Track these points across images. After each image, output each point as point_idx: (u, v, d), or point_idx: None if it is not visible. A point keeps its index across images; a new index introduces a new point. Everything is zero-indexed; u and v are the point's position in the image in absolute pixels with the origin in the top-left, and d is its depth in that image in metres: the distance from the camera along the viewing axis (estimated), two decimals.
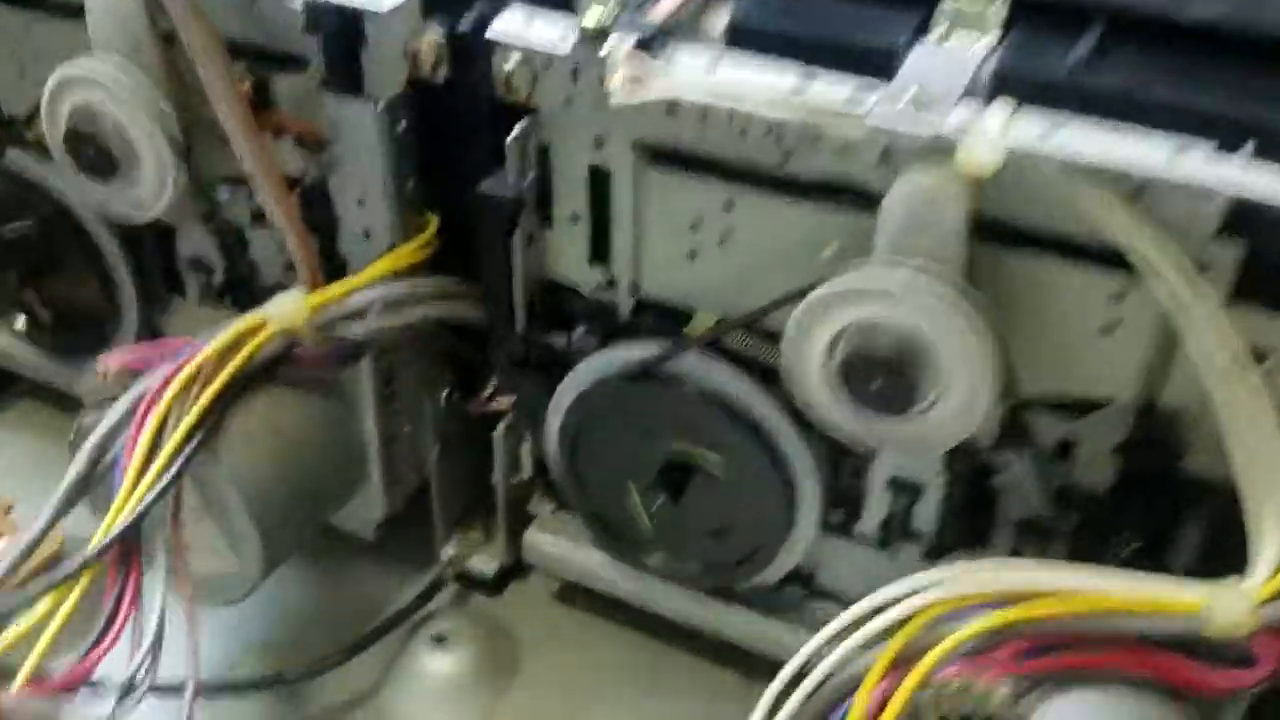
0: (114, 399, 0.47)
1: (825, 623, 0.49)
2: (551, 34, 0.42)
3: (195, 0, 0.45)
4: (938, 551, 0.47)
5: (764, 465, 0.45)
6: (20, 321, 0.62)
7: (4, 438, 0.67)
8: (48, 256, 0.58)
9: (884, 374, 0.38)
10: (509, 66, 0.43)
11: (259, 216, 0.53)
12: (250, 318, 0.47)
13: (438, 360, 0.54)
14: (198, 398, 0.45)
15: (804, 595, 0.51)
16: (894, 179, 0.38)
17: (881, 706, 0.36)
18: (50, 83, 0.50)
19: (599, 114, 0.43)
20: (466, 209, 0.49)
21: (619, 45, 0.39)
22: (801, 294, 0.39)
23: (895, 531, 0.47)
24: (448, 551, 0.58)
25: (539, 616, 0.57)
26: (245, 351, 0.46)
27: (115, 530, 0.40)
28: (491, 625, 0.56)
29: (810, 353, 0.40)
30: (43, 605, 0.38)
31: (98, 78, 0.48)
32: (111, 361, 0.47)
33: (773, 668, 0.53)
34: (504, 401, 0.54)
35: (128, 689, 0.38)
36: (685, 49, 0.40)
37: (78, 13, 0.49)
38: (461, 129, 0.48)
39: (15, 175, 0.57)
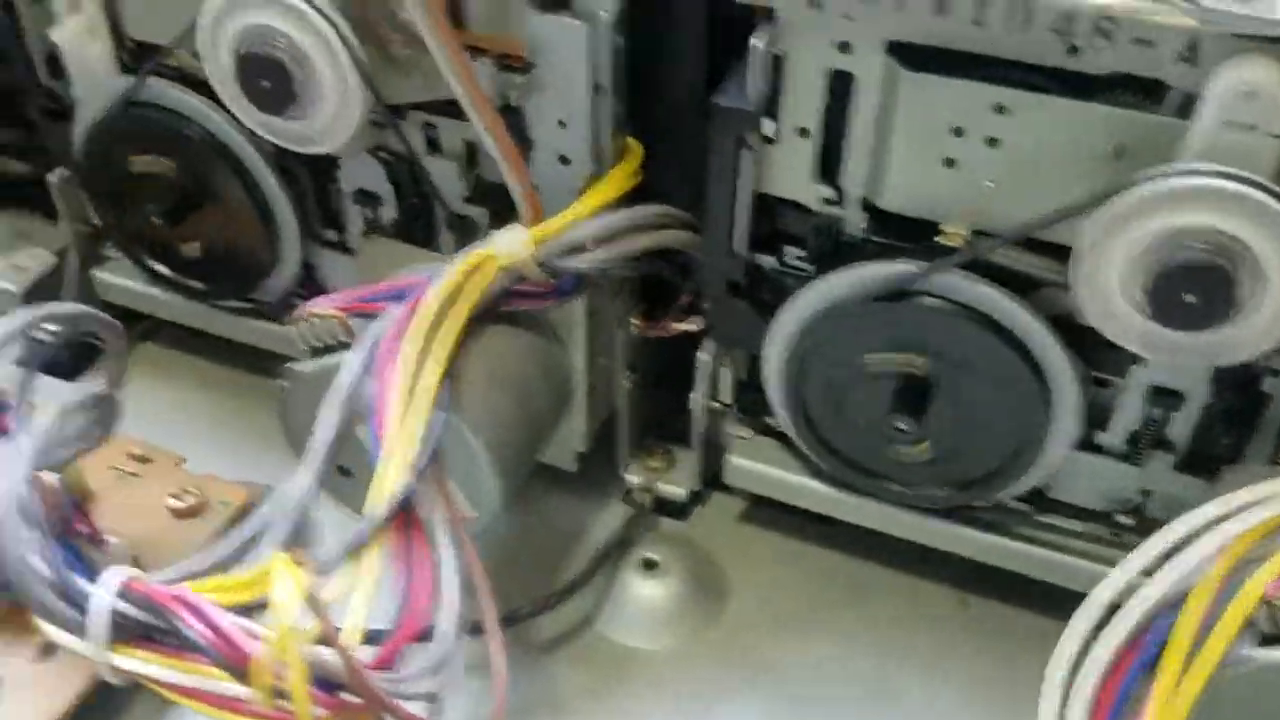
0: (328, 347, 0.45)
1: (1050, 534, 0.50)
2: None
3: None
4: (1189, 463, 0.46)
5: (1025, 381, 0.43)
6: (157, 262, 0.59)
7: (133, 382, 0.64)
8: (194, 192, 0.55)
9: (1200, 286, 0.36)
10: None
11: (434, 144, 0.51)
12: (474, 254, 0.44)
13: (632, 286, 0.52)
14: (435, 340, 0.42)
15: (1032, 509, 0.50)
16: (1202, 75, 0.36)
17: (1206, 626, 0.35)
18: (211, 6, 0.46)
19: (850, 16, 0.40)
20: (671, 128, 0.47)
21: None
22: (1096, 201, 0.38)
23: (1147, 442, 0.46)
24: (632, 479, 0.57)
25: (731, 538, 0.57)
26: (474, 289, 0.44)
27: (399, 490, 0.38)
28: (695, 549, 0.55)
29: (1110, 265, 0.38)
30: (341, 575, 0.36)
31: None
32: (320, 307, 0.45)
33: (982, 578, 0.53)
34: (693, 322, 0.52)
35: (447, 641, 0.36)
36: None
37: None
38: (672, 42, 0.45)
39: (155, 105, 0.53)
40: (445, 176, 0.51)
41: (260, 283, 0.57)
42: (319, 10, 0.45)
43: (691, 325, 0.52)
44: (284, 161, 0.53)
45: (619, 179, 0.46)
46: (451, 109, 0.49)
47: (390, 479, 0.38)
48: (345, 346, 0.45)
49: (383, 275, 0.50)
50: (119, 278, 0.62)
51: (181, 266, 0.59)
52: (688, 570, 0.54)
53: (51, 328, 0.45)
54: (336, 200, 0.55)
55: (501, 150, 0.44)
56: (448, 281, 0.44)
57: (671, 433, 0.58)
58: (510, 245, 0.44)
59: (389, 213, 0.54)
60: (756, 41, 0.41)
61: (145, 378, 0.63)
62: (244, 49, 0.46)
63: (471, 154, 0.51)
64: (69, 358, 0.50)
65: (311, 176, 0.55)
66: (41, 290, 0.68)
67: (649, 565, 0.53)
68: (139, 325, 0.66)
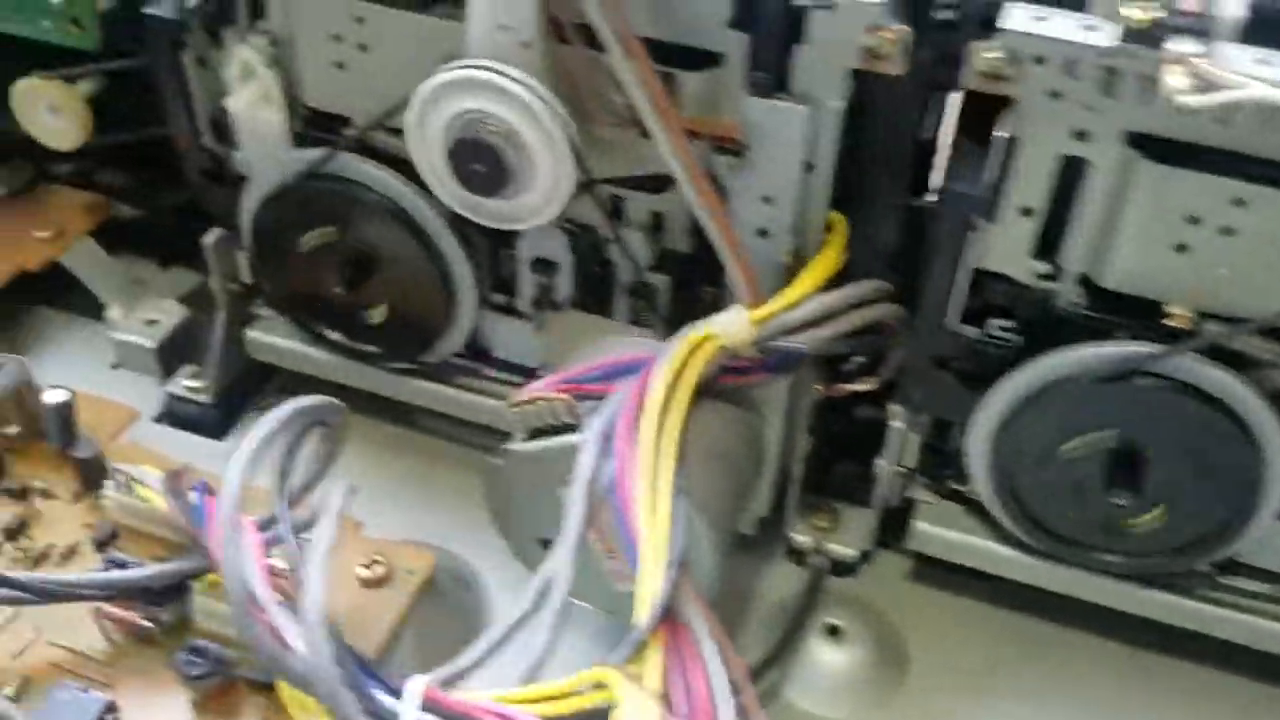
0: (553, 428, 0.45)
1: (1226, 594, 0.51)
2: (1070, 27, 0.40)
3: None
4: None
5: (1246, 458, 0.44)
6: (326, 326, 0.59)
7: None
8: (373, 260, 0.55)
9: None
10: (991, 58, 0.41)
11: (619, 215, 0.51)
12: (694, 334, 0.45)
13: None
14: (666, 422, 0.42)
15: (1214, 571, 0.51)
16: None
17: None
18: (424, 89, 0.46)
19: (1091, 107, 0.41)
20: (876, 203, 0.48)
21: (1179, 47, 0.36)
22: None
23: None
24: (801, 539, 0.57)
25: (904, 598, 0.57)
26: (695, 369, 0.44)
27: (665, 592, 0.38)
28: (872, 611, 0.55)
29: None
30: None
31: (493, 83, 0.45)
32: (542, 390, 0.45)
33: (1166, 639, 0.53)
34: (869, 383, 0.52)
35: None
36: (1225, 46, 0.38)
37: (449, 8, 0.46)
38: (891, 124, 0.46)
39: (336, 176, 0.53)
40: (630, 246, 0.51)
41: (432, 346, 0.57)
42: (537, 95, 0.45)
43: (868, 386, 0.53)
44: (464, 230, 0.53)
45: (831, 258, 0.47)
46: (642, 183, 0.49)
47: (653, 578, 0.38)
48: (569, 428, 0.45)
49: (570, 348, 0.51)
50: (272, 336, 0.62)
51: (353, 331, 0.59)
52: (870, 635, 0.54)
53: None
54: (512, 267, 0.55)
55: (723, 235, 0.44)
56: (673, 363, 0.44)
57: (832, 491, 0.58)
58: (732, 327, 0.44)
59: (565, 280, 0.54)
60: (1001, 132, 0.41)
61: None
62: (457, 134, 0.46)
63: (657, 224, 0.52)
64: None
65: (490, 244, 0.55)
66: (173, 345, 0.68)
67: (833, 631, 0.53)
68: (276, 379, 0.67)
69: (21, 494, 0.53)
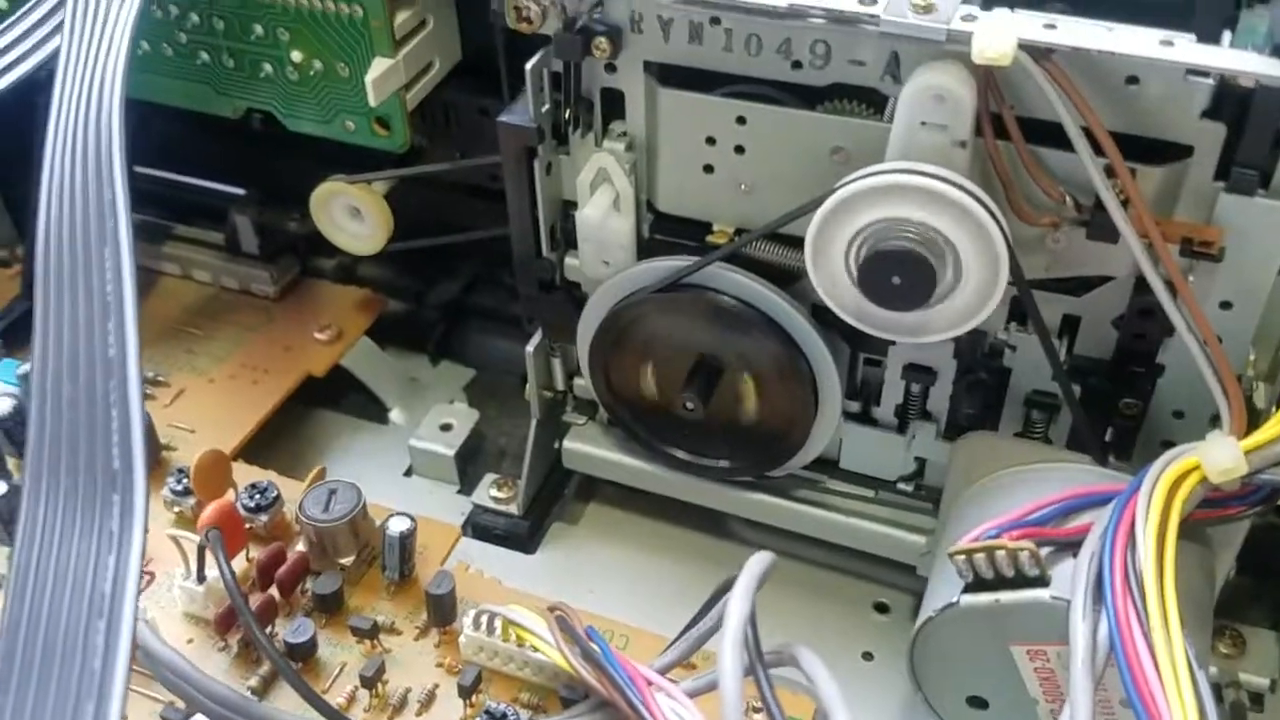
0: (1000, 580, 0.40)
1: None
2: None
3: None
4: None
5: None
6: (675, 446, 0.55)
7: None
8: (736, 373, 0.51)
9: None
10: None
11: (1020, 317, 0.46)
12: (1180, 463, 0.39)
13: None
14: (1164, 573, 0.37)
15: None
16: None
17: None
18: (837, 196, 0.42)
19: None
20: None
21: None
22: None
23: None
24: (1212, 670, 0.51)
25: None
26: (1177, 505, 0.39)
27: None
28: None
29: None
30: None
31: (930, 188, 0.40)
32: (1000, 538, 0.40)
33: None
34: None
35: None
36: None
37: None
38: None
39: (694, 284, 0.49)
40: (1030, 353, 0.46)
41: (786, 460, 0.53)
42: (977, 198, 0.40)
43: None
44: (831, 337, 0.49)
45: None
46: (1068, 285, 0.44)
47: None
48: (1032, 580, 0.40)
49: (982, 472, 0.46)
50: (589, 446, 0.58)
51: (697, 444, 0.54)
52: None
53: None
54: (876, 374, 0.51)
55: (1214, 353, 0.39)
56: (1160, 499, 0.38)
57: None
58: (1223, 458, 0.39)
59: (942, 388, 0.50)
60: None
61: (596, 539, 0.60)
62: (875, 243, 0.42)
63: (1072, 328, 0.46)
64: None
65: (852, 350, 0.50)
66: (466, 451, 0.65)
67: None
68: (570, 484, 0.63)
69: (371, 632, 0.49)
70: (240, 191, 0.70)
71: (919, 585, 0.53)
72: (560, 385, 0.58)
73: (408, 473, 0.64)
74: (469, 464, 0.63)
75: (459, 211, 0.63)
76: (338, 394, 0.67)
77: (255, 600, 0.49)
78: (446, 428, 0.64)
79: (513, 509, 0.60)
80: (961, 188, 0.40)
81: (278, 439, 0.64)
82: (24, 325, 0.66)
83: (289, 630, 0.48)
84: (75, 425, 0.33)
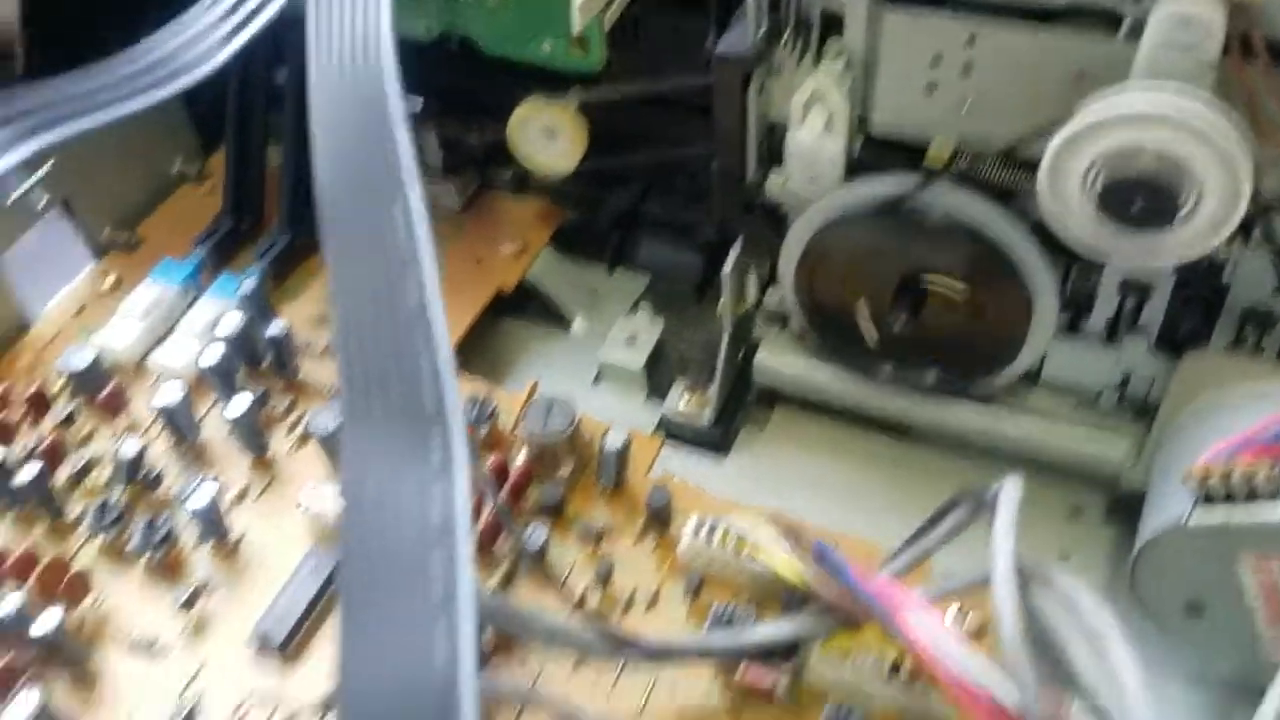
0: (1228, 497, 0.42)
1: None
2: None
3: None
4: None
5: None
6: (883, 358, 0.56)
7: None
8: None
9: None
10: None
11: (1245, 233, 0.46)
12: None
13: None
14: None
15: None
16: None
17: None
18: (1082, 120, 0.42)
19: None
20: None
21: None
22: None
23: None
24: None
25: None
26: None
27: None
28: None
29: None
30: None
31: (1167, 114, 0.40)
32: (1236, 459, 0.41)
33: None
34: None
35: None
36: None
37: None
38: None
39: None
40: (1250, 268, 0.47)
41: (997, 371, 0.54)
42: (1227, 118, 0.40)
43: None
44: (1052, 251, 0.49)
45: None
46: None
47: None
48: (1261, 497, 0.41)
49: (1206, 390, 0.47)
50: (781, 360, 0.60)
51: (906, 358, 0.56)
52: None
53: None
54: (1089, 286, 0.51)
55: None
56: None
57: None
58: None
59: (1157, 301, 0.50)
60: None
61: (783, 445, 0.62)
62: (1118, 165, 0.42)
63: None
64: None
65: (1068, 265, 0.51)
66: (653, 358, 0.67)
67: None
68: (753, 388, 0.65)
69: (598, 537, 0.53)
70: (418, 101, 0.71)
71: (1109, 489, 0.55)
72: (751, 301, 0.59)
73: (596, 379, 0.67)
74: (653, 371, 0.66)
75: (645, 124, 0.63)
76: (518, 303, 0.69)
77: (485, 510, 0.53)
78: (632, 340, 0.66)
79: (704, 418, 0.62)
80: (1212, 113, 0.40)
81: (469, 351, 0.66)
82: (230, 242, 0.70)
83: (526, 535, 0.51)
84: (386, 374, 0.35)
